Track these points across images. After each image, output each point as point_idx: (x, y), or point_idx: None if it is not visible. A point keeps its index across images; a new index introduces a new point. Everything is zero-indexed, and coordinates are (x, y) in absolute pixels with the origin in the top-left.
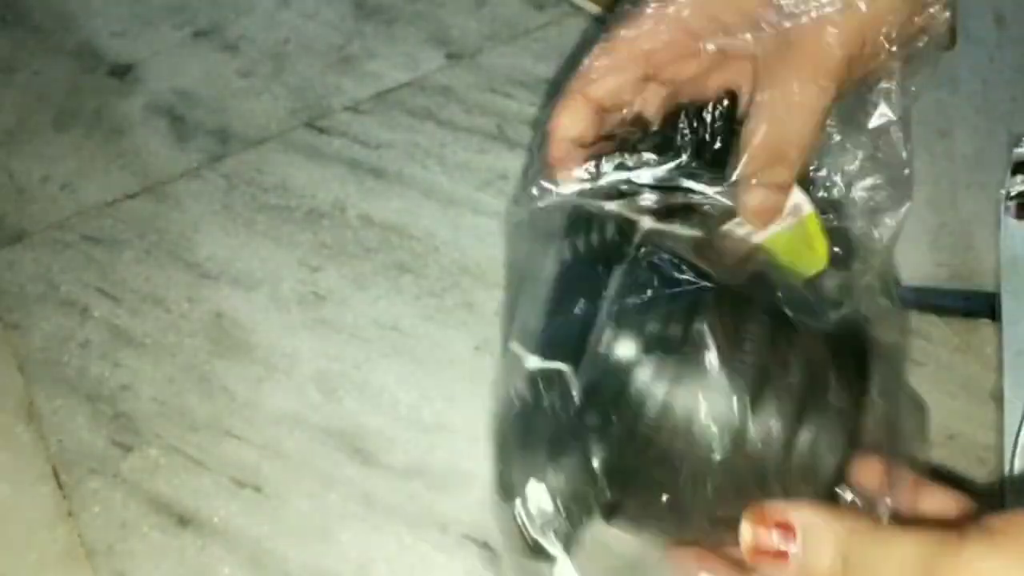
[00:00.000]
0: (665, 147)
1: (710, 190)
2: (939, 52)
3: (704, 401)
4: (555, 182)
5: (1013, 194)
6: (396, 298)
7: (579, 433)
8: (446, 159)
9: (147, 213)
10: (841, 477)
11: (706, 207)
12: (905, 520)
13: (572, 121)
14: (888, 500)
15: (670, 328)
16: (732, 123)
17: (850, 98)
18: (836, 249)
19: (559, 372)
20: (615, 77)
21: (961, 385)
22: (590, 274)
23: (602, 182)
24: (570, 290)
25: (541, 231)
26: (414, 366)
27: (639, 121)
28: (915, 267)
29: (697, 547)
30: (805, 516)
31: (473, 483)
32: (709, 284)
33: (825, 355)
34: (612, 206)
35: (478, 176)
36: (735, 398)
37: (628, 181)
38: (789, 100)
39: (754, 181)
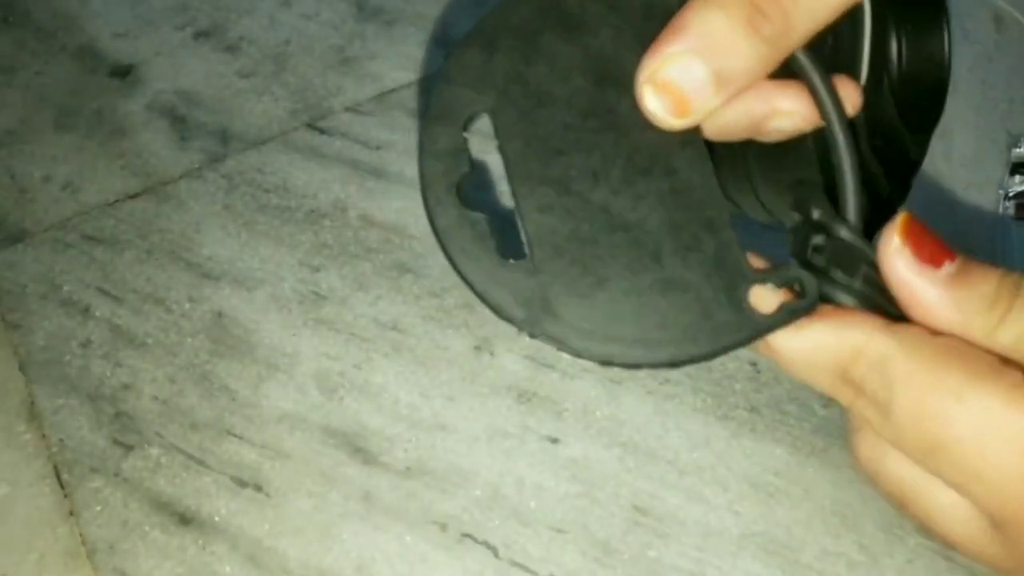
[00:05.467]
0: None
1: None
2: None
3: None
4: None
5: (1012, 194)
6: (396, 298)
7: None
8: None
9: (148, 213)
10: None
11: None
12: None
13: None
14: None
15: None
16: None
17: None
18: None
19: None
20: None
21: None
22: None
23: None
24: None
25: None
26: (414, 366)
27: None
28: None
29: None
30: None
31: (473, 482)
32: None
33: None
34: None
35: None
36: None
37: None
38: None
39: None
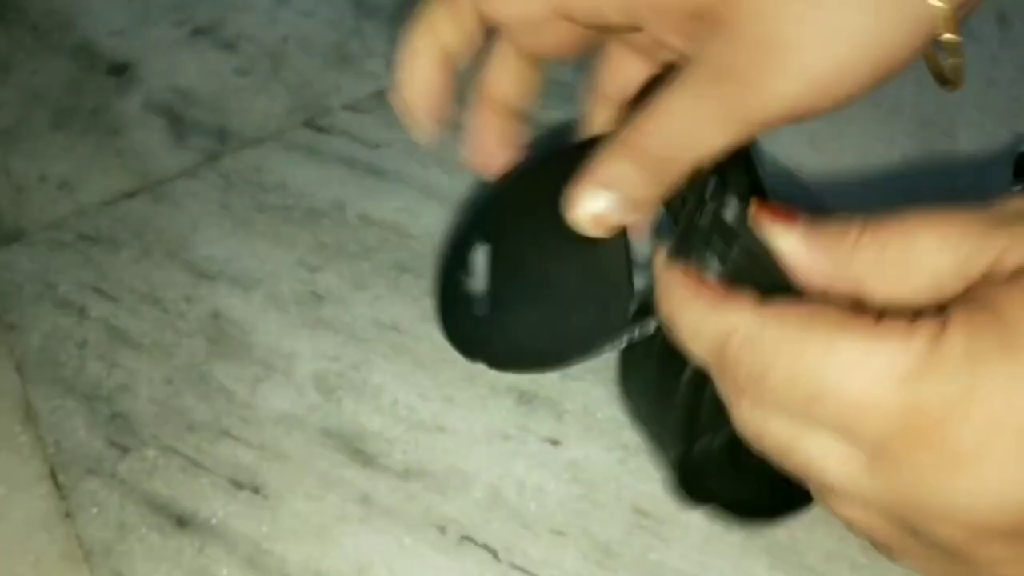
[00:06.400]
0: None
1: None
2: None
3: None
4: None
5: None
6: (396, 298)
7: None
8: (446, 158)
9: (145, 212)
10: None
11: None
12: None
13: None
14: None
15: None
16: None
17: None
18: None
19: None
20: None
21: None
22: None
23: None
24: None
25: None
26: (413, 367)
27: None
28: None
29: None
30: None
31: (473, 484)
32: None
33: None
34: None
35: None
36: None
37: None
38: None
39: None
